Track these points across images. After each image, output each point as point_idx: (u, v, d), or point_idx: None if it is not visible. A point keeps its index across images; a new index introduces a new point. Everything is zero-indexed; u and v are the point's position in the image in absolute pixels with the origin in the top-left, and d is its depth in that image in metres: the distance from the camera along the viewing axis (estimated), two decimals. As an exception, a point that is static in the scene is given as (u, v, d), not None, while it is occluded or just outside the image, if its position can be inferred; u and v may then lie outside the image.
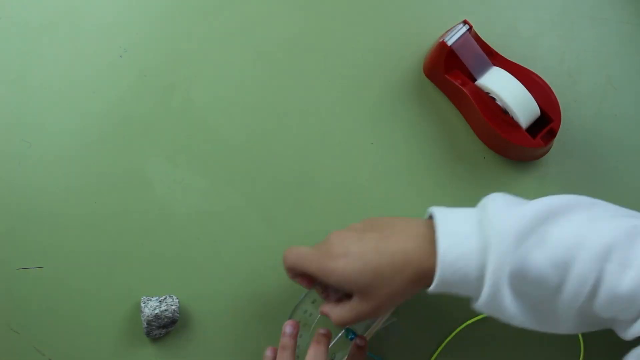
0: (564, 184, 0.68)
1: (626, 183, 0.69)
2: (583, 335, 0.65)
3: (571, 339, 0.66)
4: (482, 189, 0.67)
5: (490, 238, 0.46)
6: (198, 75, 0.68)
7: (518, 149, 0.64)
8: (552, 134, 0.64)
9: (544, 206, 0.48)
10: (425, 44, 0.68)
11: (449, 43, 0.63)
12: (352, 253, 0.49)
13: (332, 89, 0.69)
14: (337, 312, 0.52)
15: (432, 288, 0.48)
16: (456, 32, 0.63)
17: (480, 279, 0.46)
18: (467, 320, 0.65)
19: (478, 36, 0.65)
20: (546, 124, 0.64)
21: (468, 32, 0.63)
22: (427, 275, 0.48)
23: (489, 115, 0.64)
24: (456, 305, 0.66)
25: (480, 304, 0.48)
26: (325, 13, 0.69)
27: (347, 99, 0.68)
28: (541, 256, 0.45)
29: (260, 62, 0.69)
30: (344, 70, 0.69)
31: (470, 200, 0.68)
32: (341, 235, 0.52)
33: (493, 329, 0.66)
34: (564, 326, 0.49)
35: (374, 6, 0.70)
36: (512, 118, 0.63)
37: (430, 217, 0.51)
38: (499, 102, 0.64)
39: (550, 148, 0.67)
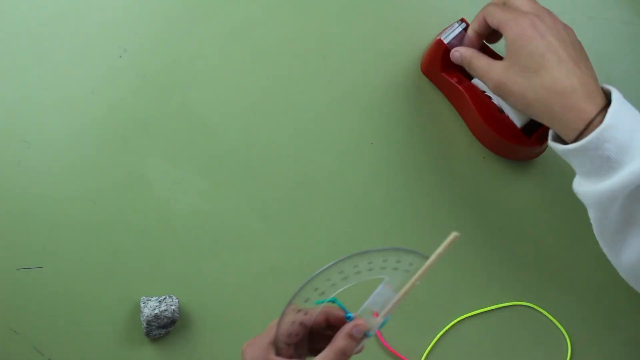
0: (562, 183, 0.68)
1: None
2: (570, 334, 0.66)
3: (559, 337, 0.66)
4: (480, 188, 0.68)
5: None
6: (198, 75, 0.68)
7: (513, 148, 0.64)
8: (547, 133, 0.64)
9: None
10: (423, 42, 0.68)
11: (446, 41, 0.63)
12: (547, 42, 0.52)
13: (330, 88, 0.69)
14: (489, 61, 0.56)
15: (577, 145, 0.49)
16: (453, 31, 0.63)
17: (615, 168, 0.47)
18: (460, 315, 0.66)
19: None
20: (542, 124, 0.64)
21: (464, 31, 0.63)
22: (570, 121, 0.50)
23: (484, 114, 0.64)
24: (450, 300, 0.67)
25: (595, 189, 0.49)
26: (323, 12, 0.69)
27: (346, 98, 0.68)
28: None
29: (259, 62, 0.69)
30: (342, 69, 0.69)
31: (468, 199, 0.68)
32: (549, 21, 0.54)
33: (484, 325, 0.66)
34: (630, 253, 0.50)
35: (372, 5, 0.70)
36: (507, 117, 0.63)
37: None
38: (494, 101, 0.64)
39: (546, 148, 0.67)
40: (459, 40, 0.63)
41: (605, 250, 0.53)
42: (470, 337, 0.66)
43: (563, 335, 0.66)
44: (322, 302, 0.50)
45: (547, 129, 0.64)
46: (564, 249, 0.68)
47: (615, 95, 0.49)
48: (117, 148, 0.66)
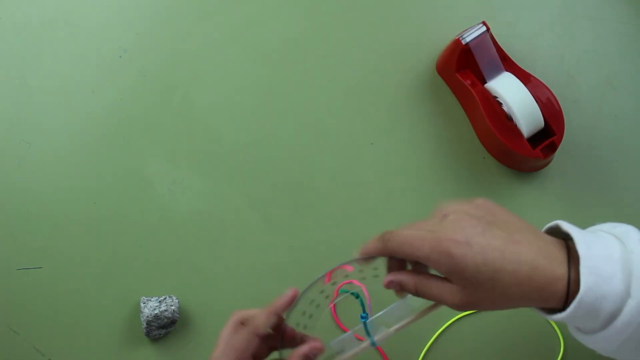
0: (565, 186, 0.68)
1: (625, 183, 0.69)
2: (562, 332, 0.66)
3: (552, 337, 0.66)
4: (482, 194, 0.67)
5: (633, 285, 0.42)
6: (198, 75, 0.68)
7: (517, 157, 0.64)
8: (553, 147, 0.64)
9: None
10: (442, 42, 0.68)
11: (465, 41, 0.63)
12: (475, 244, 0.44)
13: (334, 87, 0.69)
14: (440, 287, 0.46)
15: (561, 317, 0.44)
16: (474, 31, 0.63)
17: (608, 320, 0.43)
18: (456, 315, 0.66)
19: (494, 40, 0.65)
20: (548, 136, 0.64)
21: (485, 33, 0.63)
22: (549, 298, 0.44)
23: (492, 119, 0.64)
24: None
25: (595, 339, 0.45)
26: (333, 10, 0.70)
27: (353, 96, 0.69)
28: None
29: (260, 62, 0.69)
30: (355, 67, 0.69)
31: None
32: (462, 220, 0.46)
33: (477, 325, 0.66)
34: None
35: (395, 3, 0.70)
36: (515, 125, 0.63)
37: (553, 233, 0.48)
38: (505, 108, 0.64)
39: (549, 162, 0.67)
40: (479, 41, 0.63)
41: None
42: (467, 335, 0.66)
43: (557, 334, 0.66)
44: (346, 292, 0.51)
45: (553, 142, 0.64)
46: None
47: (581, 244, 0.44)
48: (117, 148, 0.66)
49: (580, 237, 0.44)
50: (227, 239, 0.66)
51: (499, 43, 0.65)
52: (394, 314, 0.50)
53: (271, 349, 0.52)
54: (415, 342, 0.65)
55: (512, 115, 0.63)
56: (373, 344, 0.50)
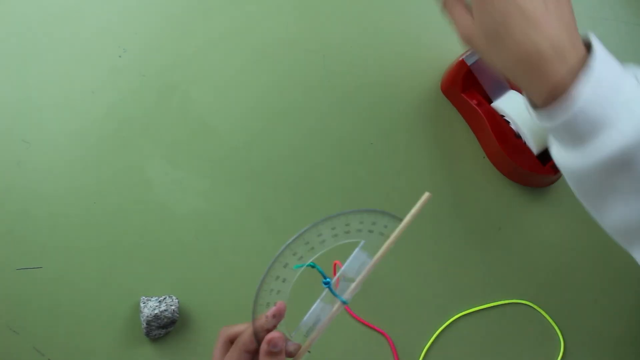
0: (577, 200, 0.68)
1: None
2: (563, 332, 0.66)
3: (553, 336, 0.66)
4: (491, 210, 0.68)
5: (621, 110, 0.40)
6: (197, 75, 0.68)
7: (528, 175, 0.64)
8: None
9: None
10: (446, 62, 0.68)
11: (469, 62, 0.63)
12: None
13: (336, 97, 0.69)
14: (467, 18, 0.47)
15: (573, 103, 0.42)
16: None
17: (589, 137, 0.41)
18: (459, 312, 0.66)
19: None
20: None
21: None
22: (547, 72, 0.42)
23: (501, 138, 0.63)
24: (450, 298, 0.67)
25: (572, 155, 0.44)
26: (335, 16, 0.70)
27: (357, 109, 0.69)
28: None
29: (260, 62, 0.69)
30: (357, 80, 0.69)
31: (466, 203, 0.68)
32: None
33: (482, 322, 0.66)
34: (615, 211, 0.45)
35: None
36: (524, 143, 0.63)
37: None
38: (512, 126, 0.63)
39: (560, 177, 0.67)
40: (482, 62, 0.63)
41: (588, 209, 0.48)
42: (468, 334, 0.66)
43: (557, 334, 0.66)
44: (301, 266, 0.50)
45: None
46: (563, 251, 0.68)
47: (595, 55, 0.42)
48: (117, 148, 0.66)
49: (602, 54, 0.42)
50: (227, 239, 0.66)
51: None
52: (354, 266, 0.50)
53: None
54: (419, 337, 0.65)
55: (520, 133, 0.63)
56: (344, 302, 0.49)
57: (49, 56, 0.67)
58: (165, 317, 0.62)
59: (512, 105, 0.63)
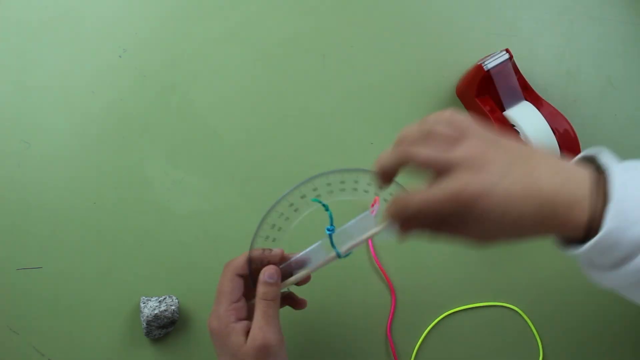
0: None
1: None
2: (542, 340, 0.66)
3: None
4: None
5: None
6: (197, 75, 0.68)
7: None
8: None
9: None
10: (464, 65, 0.68)
11: (487, 67, 0.63)
12: (496, 195, 0.40)
13: (343, 95, 0.69)
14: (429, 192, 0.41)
15: (575, 252, 0.41)
16: (496, 58, 0.63)
17: (621, 262, 0.40)
18: (448, 310, 0.66)
19: (517, 68, 0.65)
20: None
21: (508, 61, 0.63)
22: (566, 226, 0.40)
23: None
24: (441, 295, 0.67)
25: (606, 276, 0.42)
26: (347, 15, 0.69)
27: (357, 108, 0.69)
28: None
29: (260, 61, 0.68)
30: (360, 80, 0.69)
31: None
32: (480, 157, 0.41)
33: (470, 320, 0.66)
34: None
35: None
36: None
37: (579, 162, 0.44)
38: (522, 137, 0.64)
39: None
40: (500, 68, 0.63)
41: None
42: (455, 332, 0.66)
43: (536, 340, 0.66)
44: (317, 200, 0.53)
45: None
46: (553, 259, 0.68)
47: (614, 170, 0.40)
48: (116, 148, 0.66)
49: (619, 173, 0.41)
50: (226, 239, 0.66)
51: (522, 71, 0.65)
52: (359, 225, 0.51)
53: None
54: (413, 332, 0.66)
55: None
56: (338, 255, 0.52)
57: (49, 56, 0.67)
58: (165, 317, 0.62)
59: (523, 116, 0.63)
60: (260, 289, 0.52)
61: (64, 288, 0.64)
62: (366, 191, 0.53)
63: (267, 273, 0.52)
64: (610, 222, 0.39)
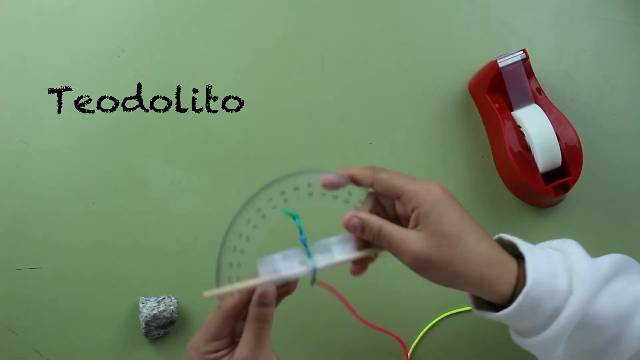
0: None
1: (624, 182, 0.69)
2: None
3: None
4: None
5: (575, 283, 0.46)
6: (197, 75, 0.68)
7: (527, 187, 0.64)
8: (566, 188, 0.64)
9: (615, 261, 0.49)
10: (465, 65, 0.69)
11: (501, 65, 0.63)
12: (456, 204, 0.48)
13: (342, 91, 0.69)
14: (406, 232, 0.48)
15: (507, 312, 0.46)
16: (511, 57, 0.63)
17: (552, 317, 0.46)
18: (446, 311, 0.66)
19: (532, 71, 0.65)
20: (564, 176, 0.64)
21: (522, 62, 0.63)
22: (499, 285, 0.47)
23: (512, 146, 0.64)
24: (439, 295, 0.67)
25: (536, 340, 0.47)
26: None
27: (358, 108, 0.69)
28: (608, 307, 0.46)
29: (259, 62, 0.69)
30: (359, 80, 0.69)
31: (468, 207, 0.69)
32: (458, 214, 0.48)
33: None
34: None
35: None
36: (533, 158, 0.63)
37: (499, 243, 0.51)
38: (526, 139, 0.64)
39: (560, 201, 0.67)
40: (513, 68, 0.63)
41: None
42: (455, 332, 0.66)
43: None
44: (285, 211, 0.51)
45: (567, 182, 0.63)
46: None
47: (524, 248, 0.48)
48: (116, 148, 0.66)
49: (522, 243, 0.49)
50: (225, 239, 0.66)
51: (537, 75, 0.65)
52: (338, 243, 0.50)
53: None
54: (411, 330, 0.66)
55: (531, 147, 0.63)
56: (314, 268, 0.48)
57: (48, 56, 0.67)
58: (164, 317, 0.62)
59: (530, 119, 0.63)
60: (254, 310, 0.48)
61: (62, 288, 0.64)
62: (347, 201, 0.52)
63: (262, 293, 0.48)
64: (532, 274, 0.46)
